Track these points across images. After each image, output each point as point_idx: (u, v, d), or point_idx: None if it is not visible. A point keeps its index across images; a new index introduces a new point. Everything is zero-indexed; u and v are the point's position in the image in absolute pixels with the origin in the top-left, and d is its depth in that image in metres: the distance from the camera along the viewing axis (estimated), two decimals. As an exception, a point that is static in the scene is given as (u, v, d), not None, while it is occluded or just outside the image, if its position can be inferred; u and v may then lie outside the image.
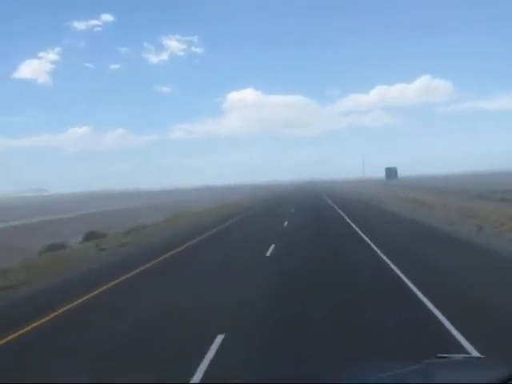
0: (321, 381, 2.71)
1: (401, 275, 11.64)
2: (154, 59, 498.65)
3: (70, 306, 10.48)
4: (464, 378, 2.53)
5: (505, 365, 2.59)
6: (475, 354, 6.03)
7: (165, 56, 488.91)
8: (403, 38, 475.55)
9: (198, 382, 5.89)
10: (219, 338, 7.36)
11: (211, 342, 7.19)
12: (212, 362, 6.49)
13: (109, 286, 12.64)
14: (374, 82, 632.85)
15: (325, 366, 5.20)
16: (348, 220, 27.98)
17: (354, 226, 24.63)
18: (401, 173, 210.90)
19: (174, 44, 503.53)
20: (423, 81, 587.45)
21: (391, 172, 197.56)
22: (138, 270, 14.89)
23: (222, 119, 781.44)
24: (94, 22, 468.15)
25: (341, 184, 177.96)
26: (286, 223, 28.39)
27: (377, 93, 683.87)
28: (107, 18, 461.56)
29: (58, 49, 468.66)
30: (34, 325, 9.06)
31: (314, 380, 2.76)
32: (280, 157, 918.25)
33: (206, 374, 6.09)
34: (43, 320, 9.38)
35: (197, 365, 6.36)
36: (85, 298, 11.27)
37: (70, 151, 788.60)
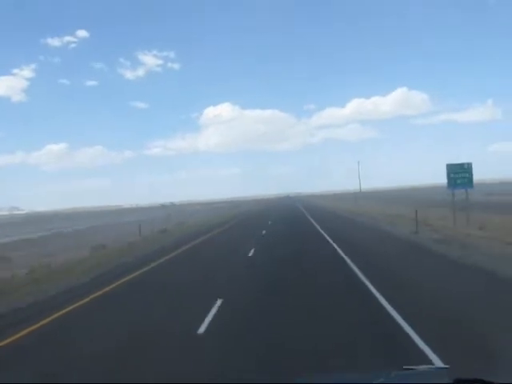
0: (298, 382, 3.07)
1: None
2: (129, 75, 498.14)
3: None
4: None
5: (467, 372, 2.73)
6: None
7: (141, 72, 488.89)
8: (380, 50, 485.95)
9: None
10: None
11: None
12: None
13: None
14: (349, 96, 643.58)
15: (289, 377, 5.63)
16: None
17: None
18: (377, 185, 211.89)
19: (150, 59, 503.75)
20: (399, 93, 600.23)
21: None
22: None
23: (199, 134, 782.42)
24: (69, 38, 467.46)
25: (318, 197, 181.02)
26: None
27: (352, 106, 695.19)
28: (82, 33, 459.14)
29: (32, 65, 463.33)
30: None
31: (290, 381, 3.09)
32: (258, 171, 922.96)
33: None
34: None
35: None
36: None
37: (46, 168, 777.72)
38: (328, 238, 25.34)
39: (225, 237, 32.80)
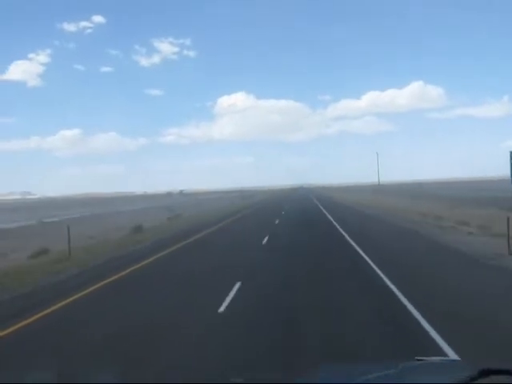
0: (298, 381, 2.90)
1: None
2: (145, 62, 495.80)
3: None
4: (440, 379, 2.62)
5: (479, 364, 2.58)
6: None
7: (156, 59, 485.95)
8: (397, 43, 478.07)
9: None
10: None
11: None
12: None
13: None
14: (365, 88, 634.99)
15: (301, 369, 5.52)
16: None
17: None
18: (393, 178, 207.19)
19: (165, 47, 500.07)
20: (415, 87, 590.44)
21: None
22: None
23: (213, 123, 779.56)
24: (85, 23, 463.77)
25: (332, 190, 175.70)
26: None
27: (368, 98, 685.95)
28: (98, 19, 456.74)
29: (48, 50, 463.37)
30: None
31: (291, 381, 2.98)
32: (272, 161, 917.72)
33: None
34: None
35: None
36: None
37: (60, 154, 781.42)
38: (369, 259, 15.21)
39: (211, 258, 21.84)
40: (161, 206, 60.81)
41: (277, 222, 33.22)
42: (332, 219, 33.33)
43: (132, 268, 15.47)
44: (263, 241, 21.76)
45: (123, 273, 14.68)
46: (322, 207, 51.64)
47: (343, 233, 23.96)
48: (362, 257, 15.84)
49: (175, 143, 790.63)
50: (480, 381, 2.33)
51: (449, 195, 63.58)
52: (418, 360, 2.96)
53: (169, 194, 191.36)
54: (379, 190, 77.09)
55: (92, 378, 5.19)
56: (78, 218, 56.36)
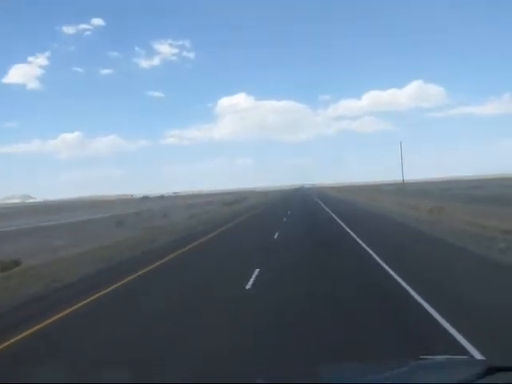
0: (304, 381, 2.81)
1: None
2: (145, 64, 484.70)
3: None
4: (446, 377, 2.57)
5: (484, 362, 2.80)
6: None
7: (156, 61, 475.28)
8: (397, 42, 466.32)
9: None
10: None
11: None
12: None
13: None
14: (365, 88, 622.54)
15: (307, 367, 5.09)
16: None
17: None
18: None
19: (165, 48, 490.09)
20: (415, 86, 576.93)
21: None
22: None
23: (214, 124, 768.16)
24: (84, 26, 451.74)
25: (336, 190, 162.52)
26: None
27: (368, 98, 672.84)
28: (98, 22, 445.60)
29: (47, 53, 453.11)
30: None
31: (297, 380, 2.84)
32: (273, 162, 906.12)
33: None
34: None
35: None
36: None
37: (61, 157, 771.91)
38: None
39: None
40: (116, 216, 47.67)
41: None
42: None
43: None
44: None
45: None
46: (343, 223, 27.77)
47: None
48: None
49: (176, 145, 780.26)
50: (488, 378, 2.28)
51: (486, 195, 50.22)
52: (423, 359, 2.92)
53: (145, 198, 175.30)
54: (399, 190, 64.32)
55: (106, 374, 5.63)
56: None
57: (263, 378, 2.95)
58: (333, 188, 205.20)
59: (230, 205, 50.35)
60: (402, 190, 62.13)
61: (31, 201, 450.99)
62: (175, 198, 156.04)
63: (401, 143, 66.43)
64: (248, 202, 65.62)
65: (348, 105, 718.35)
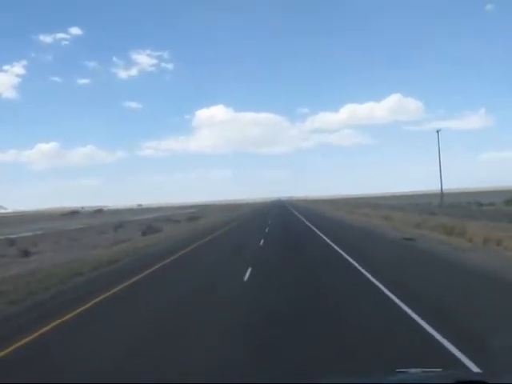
0: None
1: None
2: (123, 74, 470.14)
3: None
4: None
5: (456, 375, 2.73)
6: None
7: (134, 71, 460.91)
8: (375, 56, 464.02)
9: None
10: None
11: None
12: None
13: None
14: (343, 101, 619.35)
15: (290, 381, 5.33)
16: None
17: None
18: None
19: (143, 59, 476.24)
20: (393, 99, 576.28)
21: None
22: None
23: (192, 136, 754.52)
24: (62, 35, 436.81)
25: (314, 203, 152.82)
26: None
27: (346, 111, 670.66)
28: (75, 31, 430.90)
29: (23, 62, 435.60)
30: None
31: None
32: (251, 175, 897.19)
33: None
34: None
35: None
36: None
37: (37, 167, 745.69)
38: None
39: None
40: None
41: None
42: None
43: None
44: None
45: None
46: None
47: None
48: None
49: (154, 156, 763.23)
50: None
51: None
52: (400, 372, 3.03)
53: (74, 212, 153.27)
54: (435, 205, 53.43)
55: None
56: None
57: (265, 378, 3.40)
58: (311, 201, 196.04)
59: (192, 221, 39.30)
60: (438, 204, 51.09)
61: (2, 211, 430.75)
62: (125, 213, 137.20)
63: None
64: (208, 219, 51.02)
65: (326, 118, 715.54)
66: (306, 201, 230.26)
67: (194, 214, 70.99)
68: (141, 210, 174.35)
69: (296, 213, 64.48)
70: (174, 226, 41.01)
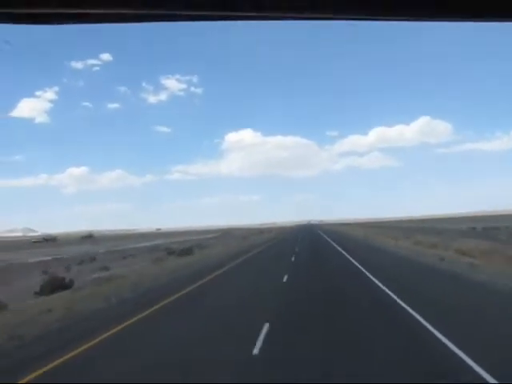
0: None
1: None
2: (152, 99, 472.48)
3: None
4: None
5: None
6: None
7: (163, 96, 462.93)
8: (402, 78, 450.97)
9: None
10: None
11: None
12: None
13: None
14: (372, 124, 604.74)
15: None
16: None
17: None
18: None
19: (173, 84, 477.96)
20: (422, 122, 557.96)
21: None
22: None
23: (221, 160, 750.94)
24: (93, 61, 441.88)
25: (352, 227, 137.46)
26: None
27: (375, 134, 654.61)
28: (106, 57, 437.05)
29: (55, 88, 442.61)
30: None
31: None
32: (279, 198, 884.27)
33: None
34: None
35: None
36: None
37: (67, 191, 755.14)
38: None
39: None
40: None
41: None
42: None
43: None
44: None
45: None
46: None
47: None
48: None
49: (182, 180, 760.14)
50: None
51: None
52: None
53: (84, 238, 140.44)
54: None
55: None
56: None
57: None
58: (338, 225, 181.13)
59: (183, 256, 26.63)
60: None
61: (33, 234, 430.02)
62: (131, 238, 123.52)
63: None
64: (215, 249, 38.02)
65: (355, 141, 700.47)
66: (335, 224, 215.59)
67: (204, 241, 57.70)
68: (154, 235, 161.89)
69: (339, 248, 36.90)
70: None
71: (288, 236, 79.93)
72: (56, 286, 17.94)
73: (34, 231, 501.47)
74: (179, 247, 36.68)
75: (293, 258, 26.68)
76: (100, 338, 9.37)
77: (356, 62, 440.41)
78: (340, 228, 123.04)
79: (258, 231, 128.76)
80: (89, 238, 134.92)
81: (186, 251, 29.77)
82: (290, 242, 53.18)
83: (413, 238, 40.92)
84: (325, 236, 69.03)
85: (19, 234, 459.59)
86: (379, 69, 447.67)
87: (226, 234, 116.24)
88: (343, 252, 30.63)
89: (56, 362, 7.69)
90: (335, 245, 40.72)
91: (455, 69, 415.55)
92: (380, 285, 14.93)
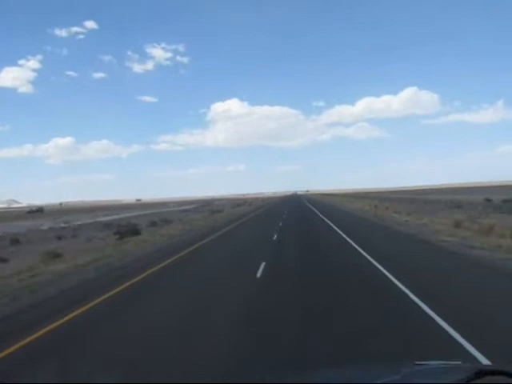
0: (298, 381, 2.80)
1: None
2: (138, 68, 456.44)
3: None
4: (439, 381, 2.52)
5: (476, 366, 2.58)
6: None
7: (149, 65, 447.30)
8: (390, 48, 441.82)
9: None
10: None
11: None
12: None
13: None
14: (360, 94, 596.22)
15: (301, 370, 5.21)
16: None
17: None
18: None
19: (158, 53, 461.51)
20: (409, 92, 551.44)
21: None
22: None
23: (207, 130, 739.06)
24: (77, 28, 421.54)
25: (338, 197, 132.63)
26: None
27: (363, 104, 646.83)
28: (91, 25, 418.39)
29: (39, 56, 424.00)
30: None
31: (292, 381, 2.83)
32: (265, 168, 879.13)
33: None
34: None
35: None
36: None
37: (52, 162, 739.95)
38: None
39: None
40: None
41: None
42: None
43: None
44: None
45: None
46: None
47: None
48: None
49: (169, 150, 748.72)
50: (476, 381, 2.31)
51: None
52: (418, 364, 2.83)
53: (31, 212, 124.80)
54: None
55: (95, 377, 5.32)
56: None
57: (270, 378, 3.05)
58: (325, 195, 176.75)
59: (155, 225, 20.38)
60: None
61: (17, 205, 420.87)
62: (103, 211, 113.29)
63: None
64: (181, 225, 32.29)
65: (342, 111, 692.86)
66: (322, 195, 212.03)
67: (174, 214, 51.55)
68: (130, 207, 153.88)
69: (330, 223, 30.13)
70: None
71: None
72: None
73: (18, 202, 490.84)
74: (136, 223, 30.65)
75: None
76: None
77: (344, 33, 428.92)
78: (327, 199, 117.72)
79: (242, 201, 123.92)
80: (40, 211, 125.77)
81: (134, 231, 23.74)
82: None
83: (431, 216, 31.86)
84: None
85: (4, 205, 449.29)
86: (366, 39, 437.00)
87: (205, 205, 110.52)
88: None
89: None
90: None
91: (444, 38, 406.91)
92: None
